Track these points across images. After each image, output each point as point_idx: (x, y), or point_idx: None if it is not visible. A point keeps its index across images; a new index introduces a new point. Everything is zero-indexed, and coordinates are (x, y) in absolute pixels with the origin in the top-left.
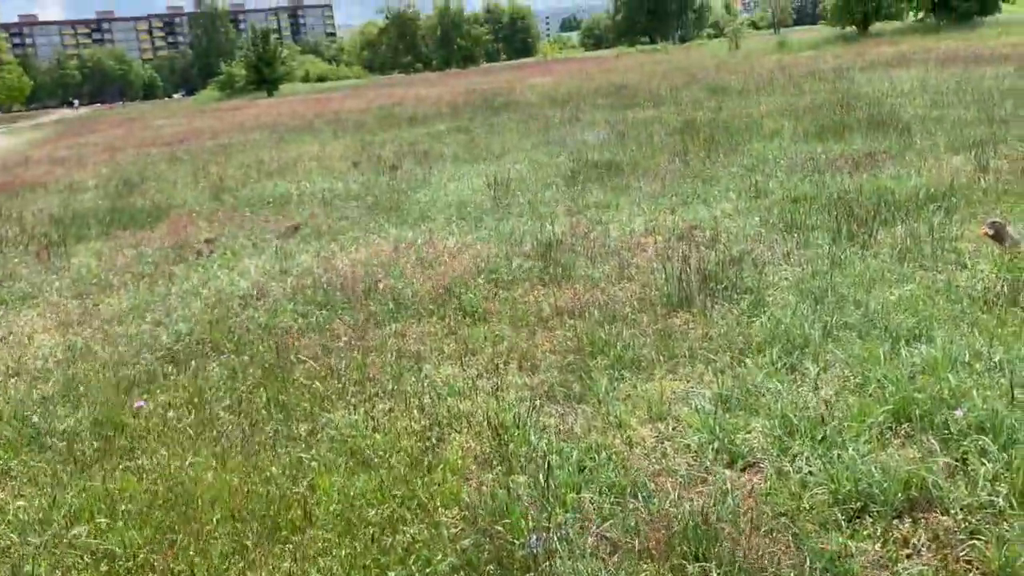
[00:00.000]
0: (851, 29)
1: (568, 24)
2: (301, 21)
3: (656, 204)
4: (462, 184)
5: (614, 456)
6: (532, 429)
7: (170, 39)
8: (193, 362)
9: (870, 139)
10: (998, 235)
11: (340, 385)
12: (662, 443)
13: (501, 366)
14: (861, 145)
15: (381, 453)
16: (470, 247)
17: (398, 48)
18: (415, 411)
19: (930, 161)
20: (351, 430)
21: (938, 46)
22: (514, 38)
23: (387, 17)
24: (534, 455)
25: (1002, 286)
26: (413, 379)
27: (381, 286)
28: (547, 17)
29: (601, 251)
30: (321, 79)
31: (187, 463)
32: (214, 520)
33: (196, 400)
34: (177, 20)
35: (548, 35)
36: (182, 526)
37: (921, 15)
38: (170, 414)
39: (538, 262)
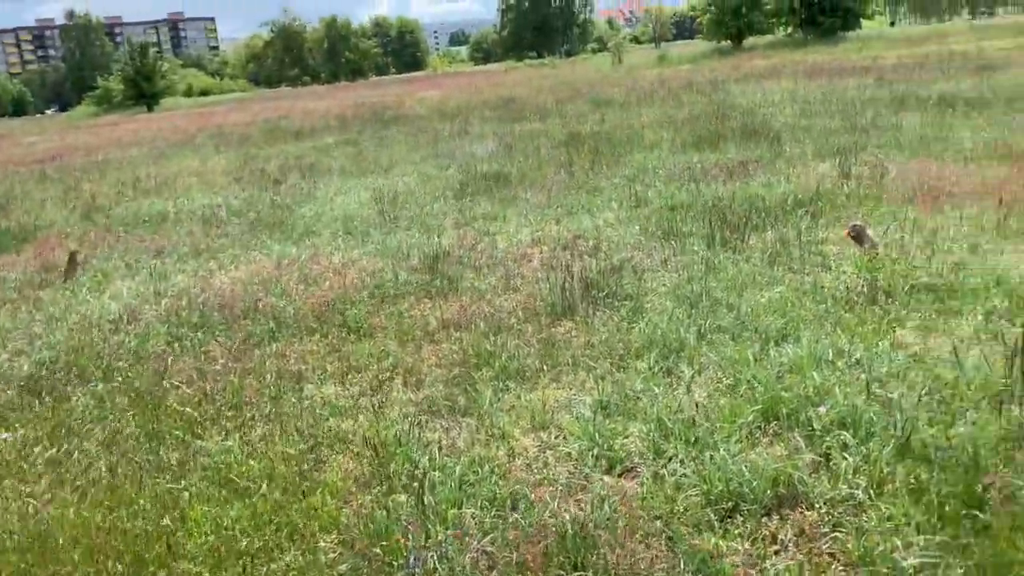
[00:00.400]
0: (727, 43)
1: (457, 38)
2: (182, 34)
3: (542, 215)
4: (349, 198)
5: (496, 468)
6: (415, 446)
7: (40, 52)
8: (57, 392)
9: (743, 148)
10: (858, 237)
11: (215, 410)
12: (544, 452)
13: (385, 382)
14: (735, 154)
15: (256, 480)
16: (356, 262)
17: (284, 61)
18: (294, 434)
19: (798, 168)
20: (226, 457)
21: (806, 59)
22: (403, 52)
23: (272, 30)
24: (416, 472)
25: (862, 286)
26: (294, 400)
27: (261, 305)
28: (435, 32)
29: (488, 262)
30: (205, 93)
31: (46, 501)
32: (75, 559)
33: (59, 432)
34: (48, 33)
35: (437, 49)
36: (40, 568)
37: (790, 30)
38: (29, 449)
39: (425, 275)
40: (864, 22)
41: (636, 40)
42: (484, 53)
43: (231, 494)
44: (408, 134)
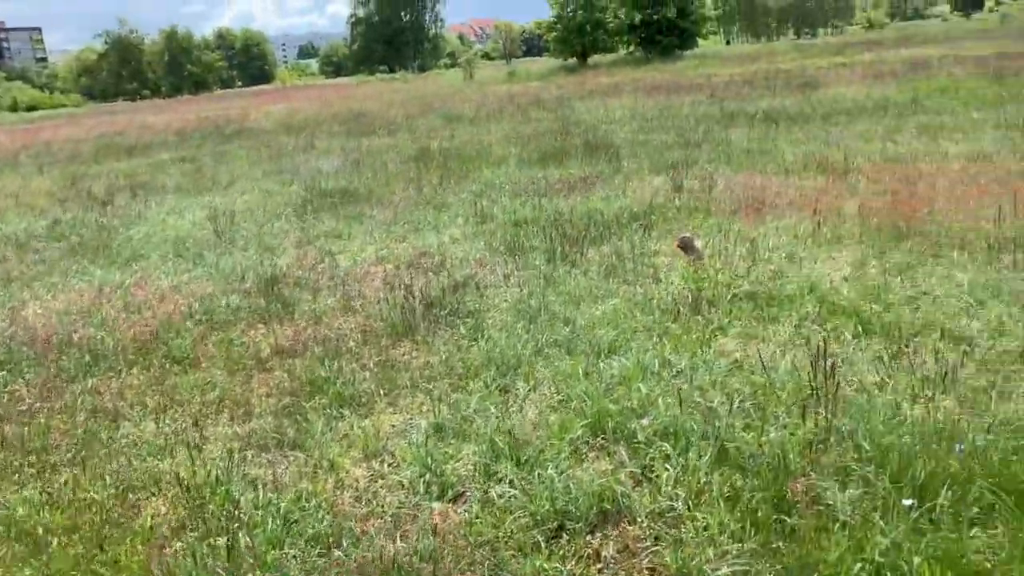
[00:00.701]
0: (573, 60)
1: (306, 51)
2: (4, 45)
3: (388, 232)
4: (183, 218)
5: (323, 503)
6: (236, 484)
7: None
8: None
9: (585, 163)
10: (686, 248)
11: (16, 457)
12: (375, 482)
13: (210, 416)
14: (577, 170)
15: (56, 532)
16: (186, 286)
17: (121, 74)
18: (104, 478)
19: (635, 182)
20: (23, 508)
21: (646, 77)
22: (250, 64)
23: (106, 42)
24: (236, 513)
25: (688, 296)
26: (107, 439)
27: (77, 337)
28: (283, 44)
29: (328, 283)
30: (32, 108)
31: None
32: None
33: None
34: None
35: (286, 62)
36: None
37: (632, 48)
38: None
39: (260, 299)
40: (701, 41)
41: (487, 56)
42: (335, 67)
43: (26, 550)
44: (251, 149)
